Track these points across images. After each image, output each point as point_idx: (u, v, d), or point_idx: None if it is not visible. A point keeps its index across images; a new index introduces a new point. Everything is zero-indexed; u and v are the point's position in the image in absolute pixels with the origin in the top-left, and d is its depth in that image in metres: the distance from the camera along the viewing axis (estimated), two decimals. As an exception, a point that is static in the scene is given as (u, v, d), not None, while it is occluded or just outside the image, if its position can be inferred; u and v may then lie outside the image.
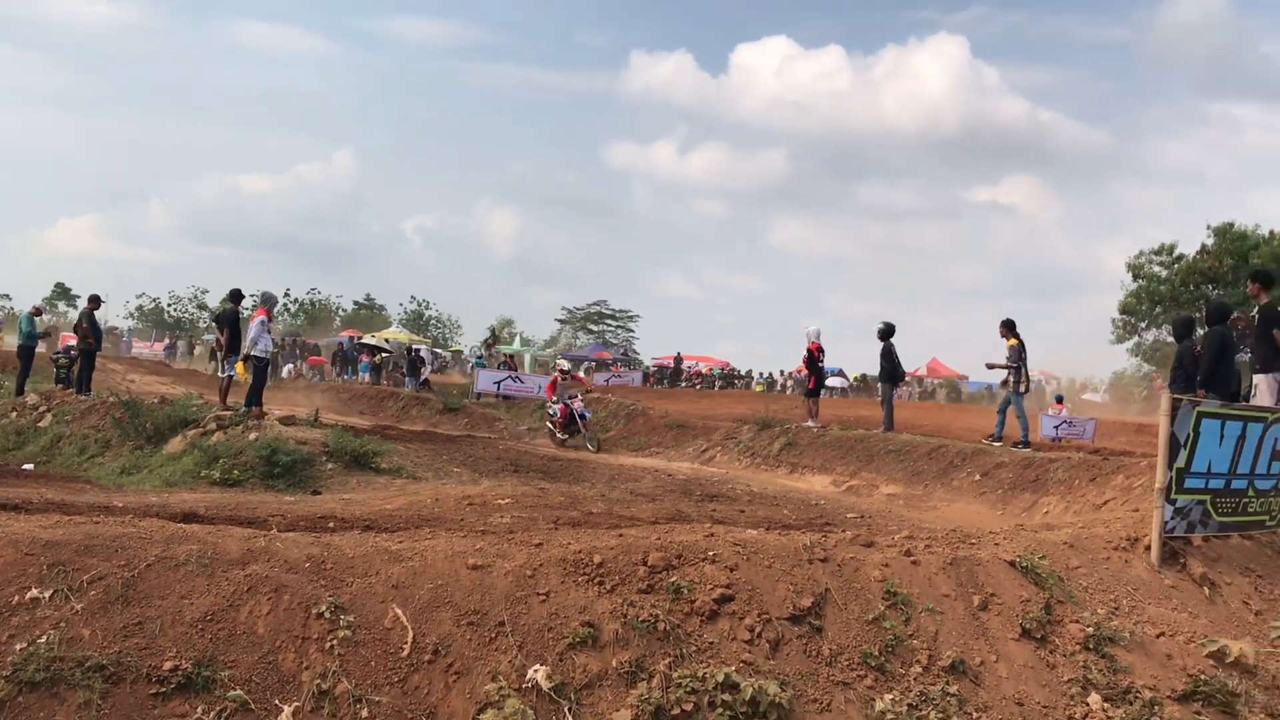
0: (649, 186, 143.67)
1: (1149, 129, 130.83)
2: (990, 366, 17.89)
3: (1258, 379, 11.25)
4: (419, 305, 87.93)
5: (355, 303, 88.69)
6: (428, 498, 11.68)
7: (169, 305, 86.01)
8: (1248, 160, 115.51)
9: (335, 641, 4.45)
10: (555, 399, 21.71)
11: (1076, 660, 5.20)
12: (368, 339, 46.33)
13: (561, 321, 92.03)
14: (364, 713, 4.24)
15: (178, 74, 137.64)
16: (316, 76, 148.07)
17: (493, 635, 4.64)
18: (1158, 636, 5.62)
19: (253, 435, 14.59)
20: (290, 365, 41.65)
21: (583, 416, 21.01)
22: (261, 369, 16.98)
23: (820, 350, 20.36)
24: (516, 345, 59.78)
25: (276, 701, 4.21)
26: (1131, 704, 4.96)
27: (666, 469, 17.58)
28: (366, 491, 12.37)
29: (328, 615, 4.55)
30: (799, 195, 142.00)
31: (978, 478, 14.53)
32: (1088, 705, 4.96)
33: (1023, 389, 16.84)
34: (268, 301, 17.97)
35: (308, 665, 4.37)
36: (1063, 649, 5.27)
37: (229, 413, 15.96)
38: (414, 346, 42.45)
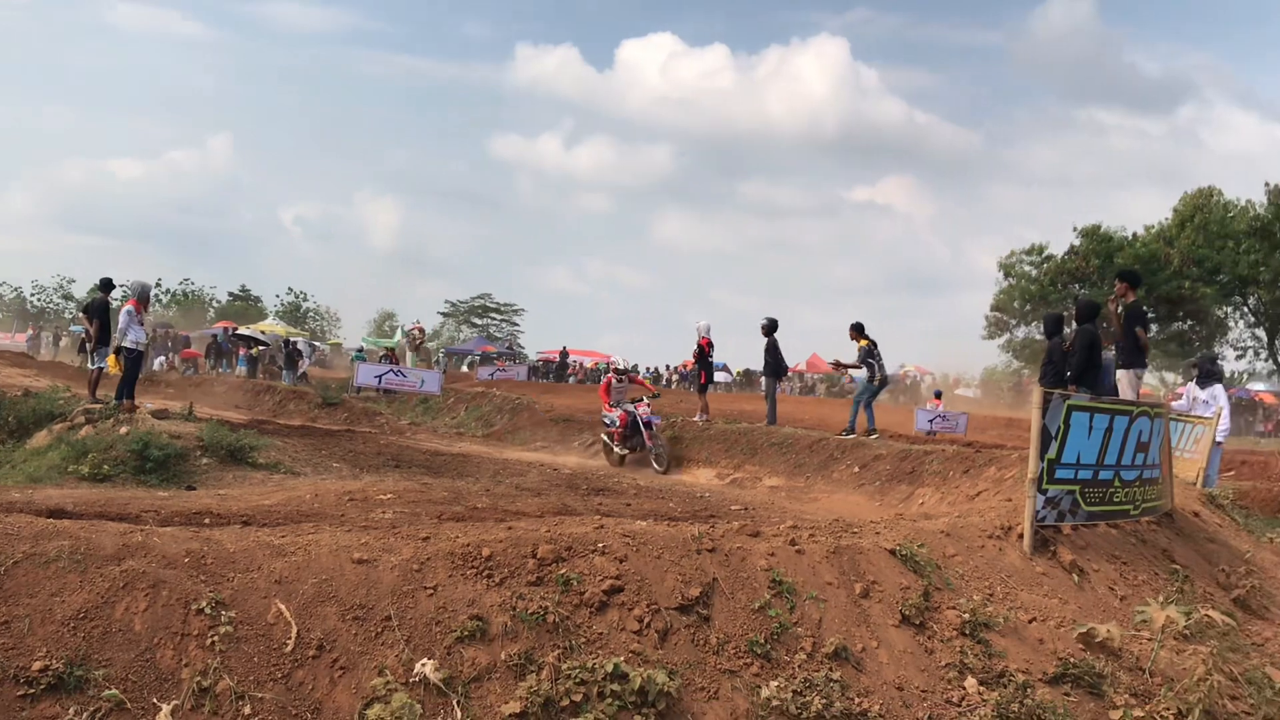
0: (535, 179, 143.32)
1: (1020, 132, 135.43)
2: (837, 366, 18.88)
3: (1120, 374, 11.76)
4: (296, 297, 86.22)
5: (230, 294, 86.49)
6: (307, 493, 11.47)
7: (32, 295, 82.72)
8: (1112, 163, 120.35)
9: (216, 638, 4.34)
10: (612, 404, 18.37)
11: (954, 645, 5.36)
12: (243, 330, 45.12)
13: (445, 315, 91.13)
14: (246, 710, 4.15)
15: (45, 55, 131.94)
16: (193, 60, 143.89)
17: (379, 630, 4.58)
18: (1030, 622, 5.83)
19: (124, 429, 14.11)
20: (162, 358, 40.39)
21: (648, 425, 17.28)
22: (133, 361, 16.43)
23: (710, 345, 20.63)
24: (397, 338, 58.96)
25: (154, 700, 4.09)
26: (1005, 687, 5.13)
27: (552, 463, 17.57)
28: (243, 487, 12.09)
29: (208, 611, 4.43)
30: (684, 191, 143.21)
31: (857, 470, 14.86)
32: (964, 689, 5.12)
33: (876, 384, 17.78)
34: (139, 291, 17.35)
35: (188, 662, 4.25)
36: (940, 635, 5.42)
37: (98, 406, 15.41)
38: (291, 339, 41.54)
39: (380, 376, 31.03)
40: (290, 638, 4.44)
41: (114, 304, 18.62)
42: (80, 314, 18.32)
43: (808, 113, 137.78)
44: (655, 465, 16.62)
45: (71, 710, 3.96)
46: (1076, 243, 53.27)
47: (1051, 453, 6.65)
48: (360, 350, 48.74)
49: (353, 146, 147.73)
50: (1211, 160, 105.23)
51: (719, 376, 52.01)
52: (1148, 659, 5.64)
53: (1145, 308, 12.67)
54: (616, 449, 17.60)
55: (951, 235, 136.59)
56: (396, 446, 18.60)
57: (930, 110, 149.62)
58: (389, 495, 11.57)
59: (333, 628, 4.53)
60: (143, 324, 16.55)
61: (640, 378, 26.21)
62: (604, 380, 19.42)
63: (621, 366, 19.87)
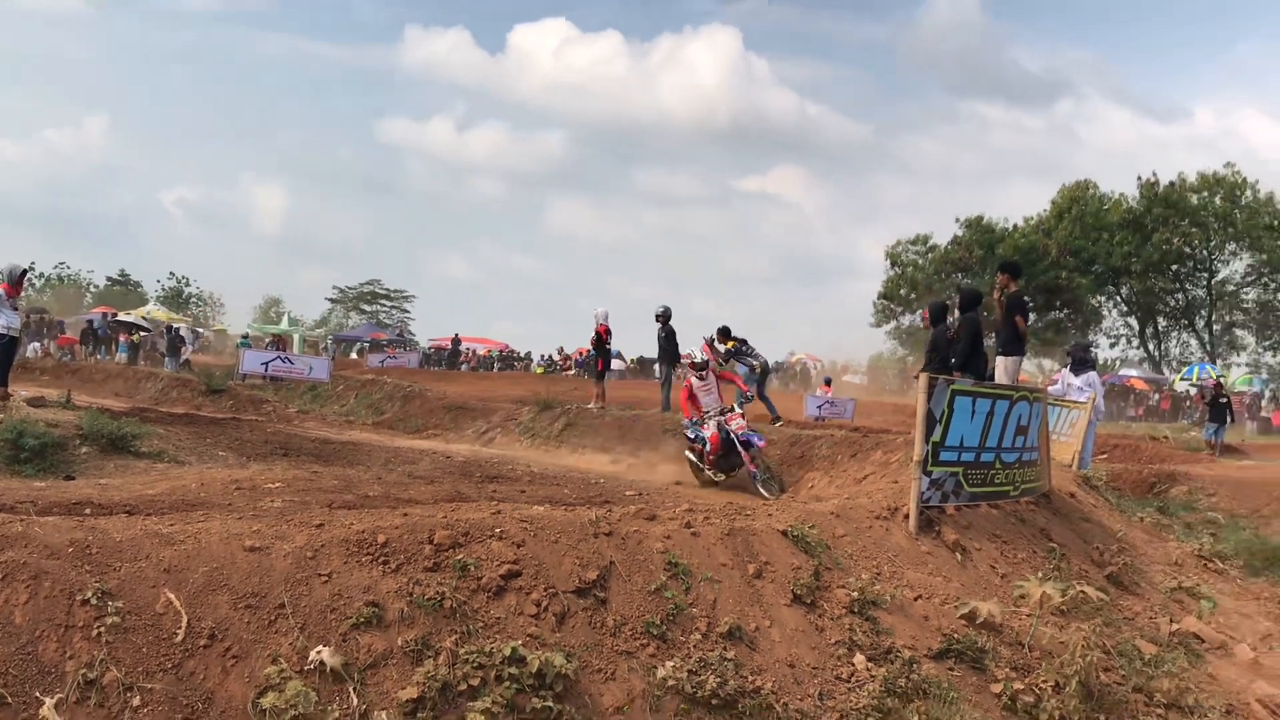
0: (426, 164, 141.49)
1: (906, 124, 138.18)
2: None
3: (999, 360, 12.15)
4: (178, 282, 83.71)
5: (108, 279, 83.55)
6: (192, 482, 11.18)
7: (-105, 277, 78.70)
8: (993, 156, 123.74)
9: (103, 629, 4.23)
10: (698, 417, 13.95)
11: (843, 623, 5.50)
12: (124, 317, 43.71)
13: (333, 301, 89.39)
14: (135, 701, 4.07)
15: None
16: (69, 37, 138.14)
17: (272, 618, 4.52)
18: (915, 599, 6.01)
19: (-1, 417, 13.59)
20: (37, 344, 38.90)
21: (747, 444, 13.17)
22: (5, 347, 15.81)
23: (608, 332, 20.71)
24: (285, 325, 57.75)
25: (37, 694, 3.98)
26: (893, 663, 5.29)
27: (445, 450, 17.41)
28: (125, 476, 11.74)
29: (94, 602, 4.32)
30: (578, 178, 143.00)
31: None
32: (853, 665, 5.27)
33: (759, 372, 18.74)
34: (9, 274, 16.68)
35: (72, 655, 4.14)
36: (830, 613, 5.56)
37: (-34, 394, 14.81)
38: (174, 325, 40.41)
39: (267, 364, 30.41)
40: (180, 627, 4.36)
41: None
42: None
43: (700, 102, 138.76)
44: (763, 492, 12.62)
45: (-54, 706, 3.84)
46: (960, 233, 54.71)
47: (936, 436, 6.86)
48: (245, 337, 47.57)
49: (237, 128, 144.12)
50: (1087, 154, 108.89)
51: (614, 364, 52.09)
52: (1027, 634, 5.86)
53: (1025, 298, 13.15)
54: (707, 471, 13.80)
55: (840, 225, 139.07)
56: (284, 434, 18.23)
57: (820, 101, 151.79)
58: (277, 484, 11.35)
59: (224, 616, 4.46)
60: (15, 309, 15.92)
61: (728, 372, 16.88)
62: (684, 385, 14.69)
63: (700, 358, 14.44)
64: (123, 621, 4.30)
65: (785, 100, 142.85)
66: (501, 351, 61.05)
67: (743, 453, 13.09)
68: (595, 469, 15.97)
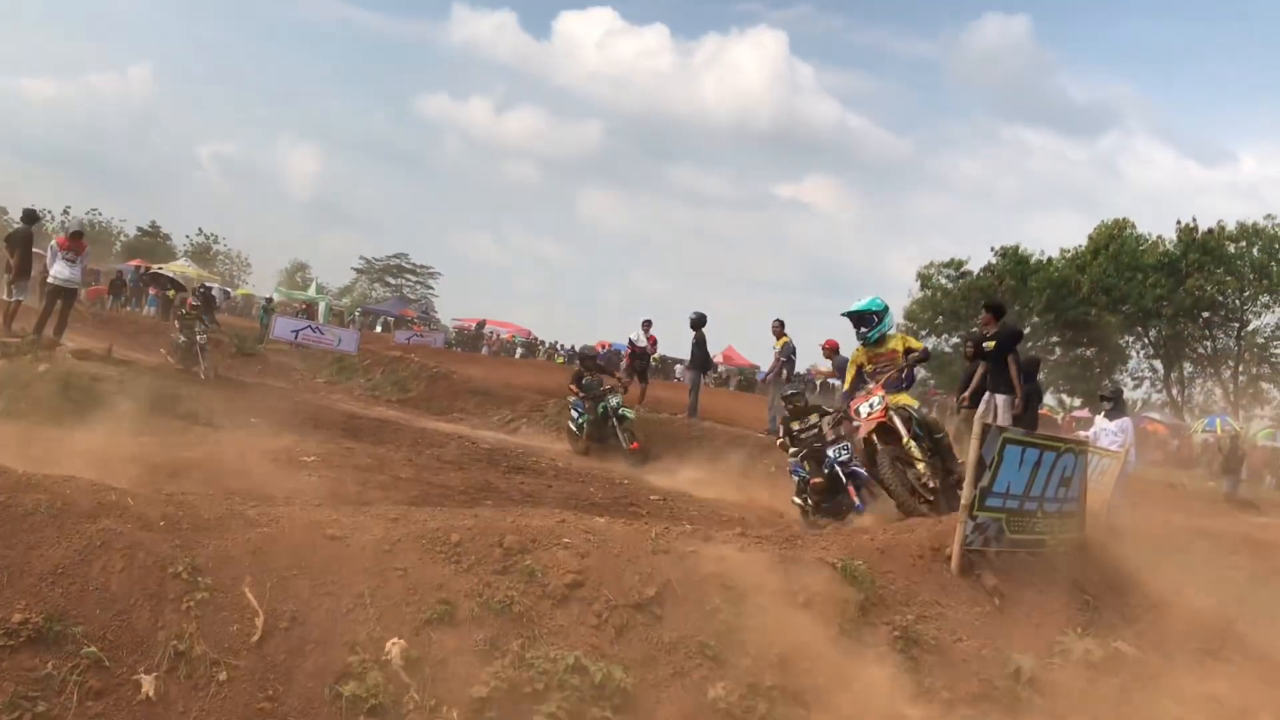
0: (461, 142, 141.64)
1: (946, 143, 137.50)
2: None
3: (997, 399, 12.32)
4: (207, 238, 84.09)
5: (139, 229, 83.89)
6: (229, 449, 11.43)
7: (-73, 211, 79.43)
8: (1032, 183, 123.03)
9: (192, 603, 4.44)
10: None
11: (887, 659, 5.66)
12: (159, 270, 44.02)
13: (359, 271, 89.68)
14: (222, 676, 4.27)
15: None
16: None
17: (350, 606, 4.71)
18: (955, 641, 6.16)
19: (42, 367, 13.85)
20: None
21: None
22: (64, 298, 16.15)
23: (655, 342, 20.86)
24: (312, 292, 58.06)
25: (132, 661, 4.18)
26: (930, 704, 5.45)
27: (470, 436, 17.60)
28: (163, 436, 11.97)
29: (184, 576, 4.53)
30: (611, 169, 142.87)
31: (773, 470, 15.19)
32: (895, 702, 5.43)
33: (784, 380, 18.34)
34: (67, 228, 17.01)
35: (163, 625, 4.35)
36: (875, 648, 5.72)
37: (15, 340, 15.08)
38: (207, 284, 40.72)
39: (298, 331, 30.67)
40: (264, 608, 4.55)
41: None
42: (3, 244, 17.80)
43: (741, 103, 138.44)
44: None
45: (50, 664, 4.04)
46: (994, 261, 54.59)
47: (984, 481, 7.00)
48: (269, 300, 47.86)
49: (278, 89, 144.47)
50: (1128, 191, 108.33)
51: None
52: (1063, 686, 6.01)
53: (1020, 332, 13.58)
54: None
55: (870, 240, 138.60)
56: (313, 405, 18.46)
57: (862, 113, 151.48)
58: (312, 458, 11.59)
59: (305, 601, 4.66)
60: (72, 261, 16.18)
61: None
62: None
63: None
64: (211, 598, 4.50)
65: (827, 109, 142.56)
66: (525, 338, 61.28)
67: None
68: (619, 469, 16.13)
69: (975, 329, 15.55)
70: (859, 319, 9.81)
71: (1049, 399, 49.41)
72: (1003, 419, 11.73)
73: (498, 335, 59.06)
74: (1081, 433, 13.88)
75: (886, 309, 9.92)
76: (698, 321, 20.17)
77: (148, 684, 4.10)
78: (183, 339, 19.00)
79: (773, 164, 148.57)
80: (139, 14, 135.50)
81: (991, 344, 12.53)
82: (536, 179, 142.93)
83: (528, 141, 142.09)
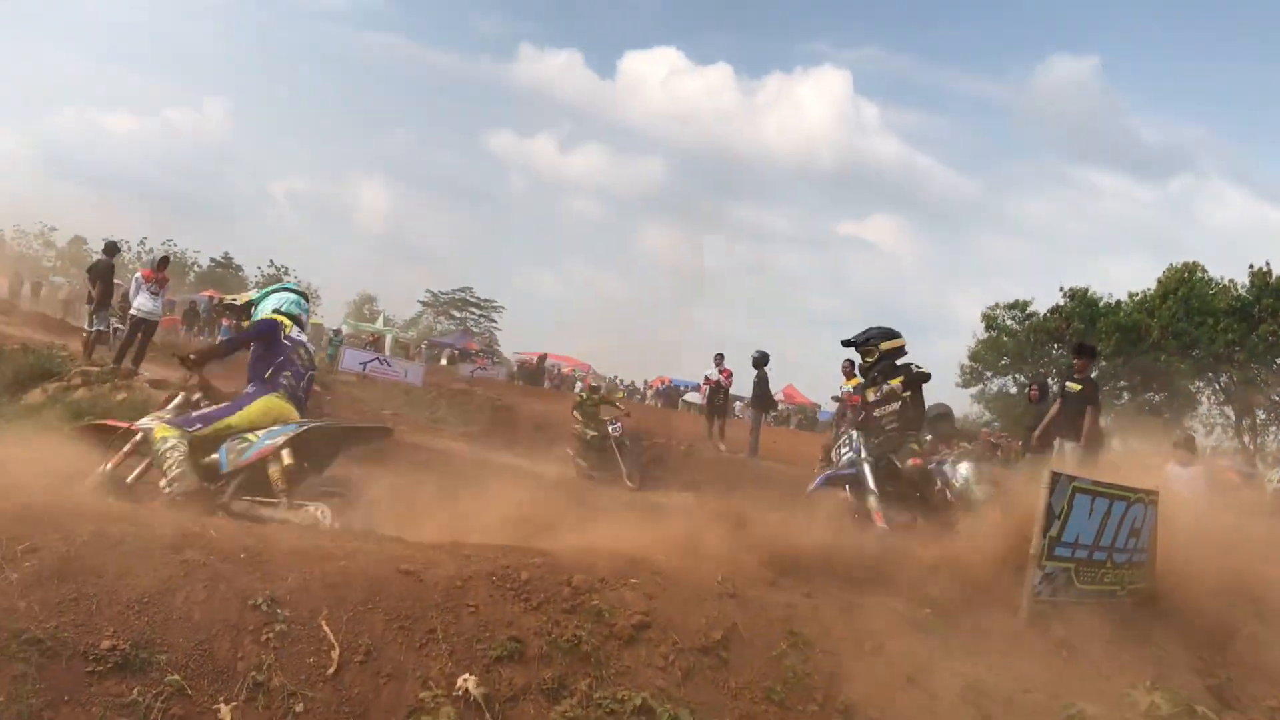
0: (527, 177, 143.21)
1: (1013, 184, 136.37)
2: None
3: (1067, 445, 12.12)
4: (278, 270, 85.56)
5: (212, 260, 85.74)
6: (300, 478, 11.55)
7: (12, 239, 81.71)
8: (1100, 225, 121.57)
9: (271, 635, 4.54)
10: None
11: (955, 709, 5.63)
12: (231, 300, 44.82)
13: (425, 304, 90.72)
14: (299, 708, 4.35)
15: (52, 2, 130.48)
16: (201, 23, 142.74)
17: (423, 641, 4.79)
18: (1024, 692, 6.10)
19: (120, 396, 14.23)
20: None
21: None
22: (135, 328, 16.57)
23: (730, 377, 20.98)
24: (379, 324, 58.87)
25: (212, 690, 4.29)
26: (1000, 755, 5.41)
27: (533, 471, 17.72)
28: (237, 465, 12.19)
29: (264, 608, 4.63)
30: (673, 206, 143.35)
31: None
32: (962, 753, 5.39)
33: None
34: (151, 260, 17.50)
35: (243, 656, 4.45)
36: (943, 697, 5.68)
37: (96, 369, 15.51)
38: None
39: (365, 364, 31.12)
40: (340, 641, 4.65)
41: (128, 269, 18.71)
42: (86, 274, 18.32)
43: (804, 141, 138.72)
44: None
45: (136, 691, 4.15)
46: (1062, 303, 53.83)
47: (1053, 531, 6.94)
48: (338, 332, 48.53)
49: (349, 125, 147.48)
50: (1200, 233, 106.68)
51: (691, 396, 52.33)
52: (1133, 741, 5.93)
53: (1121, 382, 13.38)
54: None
55: (934, 280, 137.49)
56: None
57: (928, 153, 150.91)
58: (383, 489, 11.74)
59: (380, 635, 4.75)
60: (155, 294, 16.62)
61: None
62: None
63: None
64: (289, 630, 4.60)
65: (892, 148, 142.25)
66: (585, 371, 61.52)
67: None
68: (679, 507, 16.12)
69: (1040, 372, 15.38)
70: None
71: (1116, 444, 48.51)
72: (1072, 465, 11.58)
73: (559, 369, 59.39)
74: (1153, 481, 13.60)
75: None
76: (760, 360, 20.24)
77: (226, 713, 4.19)
78: None
79: (836, 202, 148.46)
80: (216, 52, 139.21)
81: (1078, 387, 12.34)
82: (599, 214, 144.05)
83: (591, 177, 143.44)
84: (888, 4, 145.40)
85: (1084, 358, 12.82)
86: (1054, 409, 12.91)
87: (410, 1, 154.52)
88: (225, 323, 40.19)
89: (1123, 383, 53.13)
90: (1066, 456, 11.93)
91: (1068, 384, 12.50)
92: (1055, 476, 6.94)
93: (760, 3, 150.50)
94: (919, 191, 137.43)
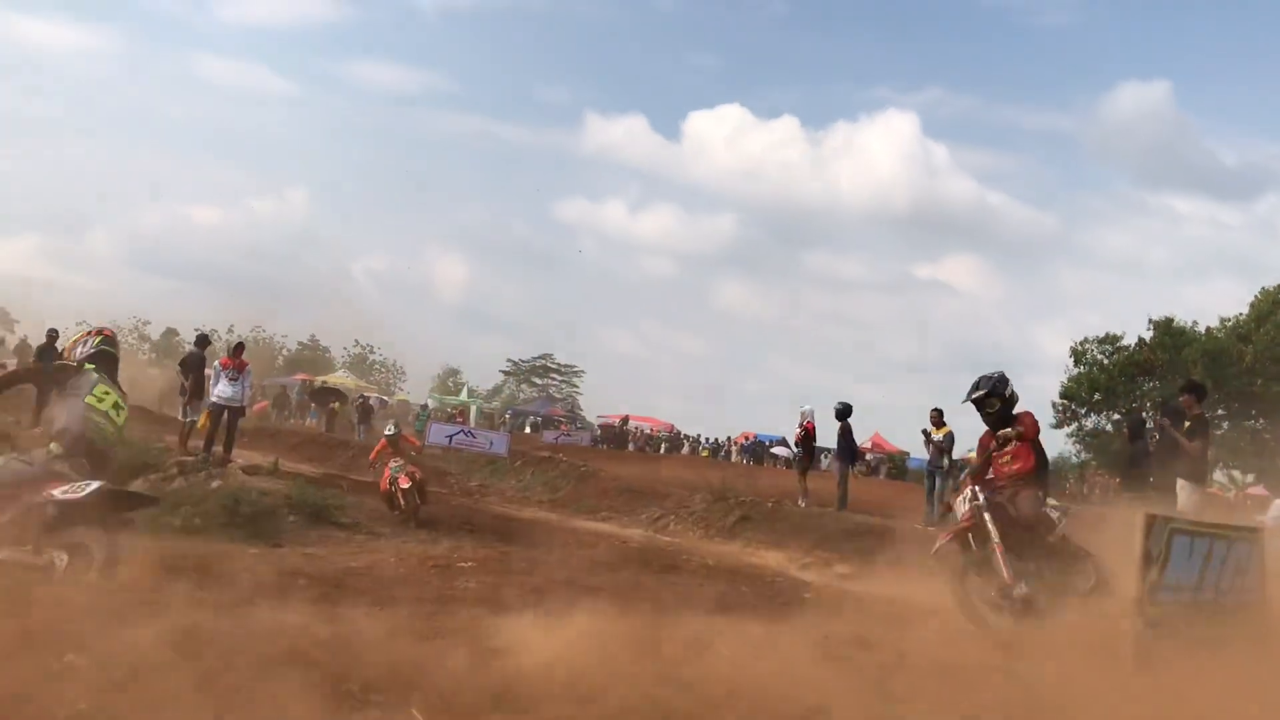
0: (598, 242, 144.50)
1: (1090, 216, 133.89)
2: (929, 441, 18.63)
3: (1188, 486, 11.74)
4: (363, 349, 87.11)
5: (299, 343, 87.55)
6: (390, 556, 11.77)
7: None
8: (1185, 252, 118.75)
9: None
10: None
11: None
12: (321, 382, 45.97)
13: (506, 373, 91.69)
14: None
15: (138, 104, 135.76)
16: (278, 115, 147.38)
17: (518, 719, 4.79)
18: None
19: (215, 484, 14.55)
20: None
21: None
22: (219, 416, 16.99)
23: (814, 429, 20.85)
24: (464, 396, 59.61)
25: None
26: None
27: (620, 535, 17.72)
28: (328, 546, 12.40)
29: (357, 693, 4.68)
30: (746, 260, 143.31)
31: (928, 563, 14.80)
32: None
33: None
34: (229, 348, 17.99)
35: (339, 738, 4.49)
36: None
37: (191, 459, 15.90)
38: (363, 394, 42.22)
39: (451, 436, 31.53)
40: (431, 723, 4.67)
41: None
42: (178, 368, 18.85)
43: (874, 186, 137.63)
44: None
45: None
46: (1148, 335, 52.63)
47: (1153, 575, 6.75)
48: (425, 406, 49.22)
49: (423, 202, 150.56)
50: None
51: (779, 450, 52.00)
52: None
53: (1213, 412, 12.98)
54: None
55: (1016, 317, 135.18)
56: (468, 509, 18.89)
57: (1000, 190, 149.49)
58: (469, 563, 11.82)
59: (474, 716, 4.76)
60: (234, 380, 17.02)
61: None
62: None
63: None
64: (383, 715, 4.63)
65: (964, 187, 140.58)
66: (668, 432, 61.61)
67: None
68: (770, 565, 15.95)
69: (1133, 407, 15.05)
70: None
71: (1219, 475, 47.05)
72: (1193, 507, 11.21)
73: (642, 430, 59.46)
74: (1260, 516, 13.21)
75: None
76: (843, 412, 20.00)
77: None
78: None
79: (910, 245, 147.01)
80: (295, 140, 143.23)
81: (1187, 424, 12.03)
82: (672, 273, 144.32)
83: (662, 238, 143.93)
84: (946, 45, 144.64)
85: (1191, 395, 12.48)
86: (1154, 447, 12.60)
87: (478, 79, 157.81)
88: (314, 406, 41.13)
89: (1220, 410, 51.58)
90: (1188, 498, 11.57)
91: (1185, 423, 12.10)
92: (1151, 519, 6.76)
93: (819, 54, 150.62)
94: (993, 229, 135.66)
